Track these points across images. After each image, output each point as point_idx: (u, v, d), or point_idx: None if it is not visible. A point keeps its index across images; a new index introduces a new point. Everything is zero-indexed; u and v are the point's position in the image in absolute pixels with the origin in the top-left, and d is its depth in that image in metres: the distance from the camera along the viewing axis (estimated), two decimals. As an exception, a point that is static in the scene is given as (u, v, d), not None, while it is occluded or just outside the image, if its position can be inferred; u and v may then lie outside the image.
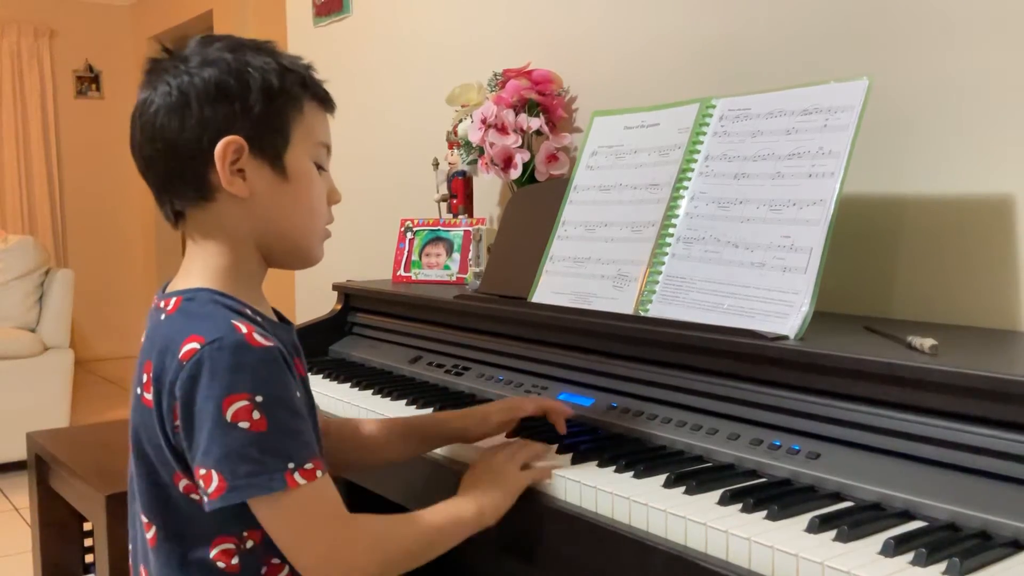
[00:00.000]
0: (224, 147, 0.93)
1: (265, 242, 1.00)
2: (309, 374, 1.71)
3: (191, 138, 0.93)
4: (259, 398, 0.87)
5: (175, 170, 0.95)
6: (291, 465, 0.88)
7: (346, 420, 1.26)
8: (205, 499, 0.87)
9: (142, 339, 1.01)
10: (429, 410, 1.39)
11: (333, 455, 1.13)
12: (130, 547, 1.05)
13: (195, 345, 0.88)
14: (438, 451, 1.25)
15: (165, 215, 1.00)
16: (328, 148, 1.04)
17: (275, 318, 1.05)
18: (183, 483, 0.93)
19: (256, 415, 0.86)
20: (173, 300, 0.95)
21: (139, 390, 0.95)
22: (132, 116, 0.98)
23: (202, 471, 0.87)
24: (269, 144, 0.96)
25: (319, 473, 0.90)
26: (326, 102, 1.02)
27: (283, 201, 0.98)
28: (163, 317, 0.95)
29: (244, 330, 0.89)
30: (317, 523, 0.90)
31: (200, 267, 0.98)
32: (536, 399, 1.26)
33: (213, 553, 0.94)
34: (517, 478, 1.07)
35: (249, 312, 0.96)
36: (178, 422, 0.89)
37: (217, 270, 0.97)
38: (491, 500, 1.04)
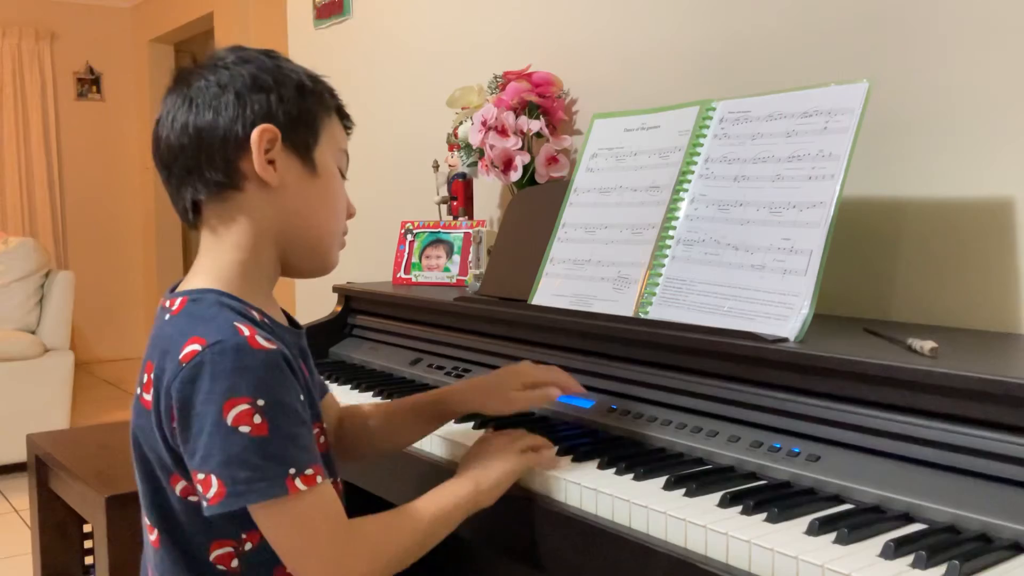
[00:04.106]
0: (260, 133, 0.94)
1: (285, 238, 1.00)
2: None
3: (226, 125, 0.94)
4: (260, 402, 0.86)
5: (205, 157, 0.95)
6: (292, 471, 0.87)
7: (351, 410, 1.23)
8: (204, 504, 0.87)
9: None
10: (429, 412, 1.39)
11: (343, 445, 1.16)
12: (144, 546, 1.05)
13: (196, 347, 0.87)
14: (439, 452, 1.25)
15: (181, 210, 1.00)
16: (348, 158, 1.06)
17: (285, 321, 1.05)
18: (180, 485, 0.92)
19: (257, 419, 0.86)
20: (179, 300, 0.95)
21: (139, 390, 0.94)
22: (159, 119, 0.98)
23: (200, 476, 0.86)
24: (301, 138, 0.98)
25: (319, 479, 0.89)
26: (347, 118, 1.06)
27: (310, 195, 1.00)
28: (167, 317, 0.94)
29: (246, 332, 0.89)
30: (317, 530, 0.89)
31: (210, 266, 0.97)
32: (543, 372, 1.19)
33: (213, 556, 0.94)
34: (517, 458, 1.06)
35: (255, 314, 0.96)
36: (175, 424, 0.88)
37: (228, 268, 0.97)
38: (487, 477, 1.03)
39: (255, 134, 0.94)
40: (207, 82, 0.95)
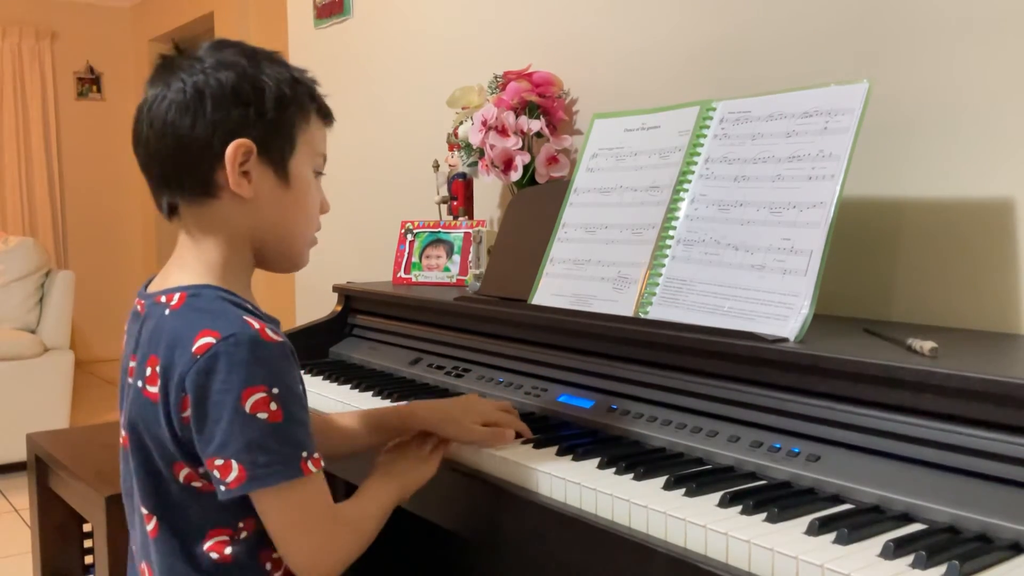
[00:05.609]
0: (235, 149, 0.95)
1: (260, 243, 1.02)
2: (310, 376, 1.72)
3: (202, 137, 0.95)
4: (275, 390, 0.90)
5: (182, 166, 0.96)
6: (304, 454, 0.92)
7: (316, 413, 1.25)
8: (222, 488, 0.89)
9: (130, 334, 1.02)
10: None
11: None
12: (131, 548, 1.05)
13: (210, 340, 0.90)
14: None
15: (159, 206, 1.02)
16: (325, 159, 1.07)
17: None
18: (184, 472, 0.94)
19: (273, 406, 0.90)
20: (177, 295, 0.96)
21: (140, 383, 0.96)
22: (139, 110, 0.99)
23: (218, 462, 0.89)
24: (276, 150, 0.99)
25: (323, 463, 0.94)
26: (327, 116, 1.06)
27: (283, 205, 1.01)
28: (167, 312, 0.96)
29: (257, 326, 0.92)
30: (314, 515, 0.94)
31: (195, 263, 0.99)
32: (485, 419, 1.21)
33: (207, 545, 0.95)
34: (434, 462, 1.15)
35: (251, 307, 0.98)
36: (186, 413, 0.90)
37: (214, 266, 0.99)
38: (412, 481, 1.11)
39: (230, 149, 0.94)
40: (183, 84, 0.95)
